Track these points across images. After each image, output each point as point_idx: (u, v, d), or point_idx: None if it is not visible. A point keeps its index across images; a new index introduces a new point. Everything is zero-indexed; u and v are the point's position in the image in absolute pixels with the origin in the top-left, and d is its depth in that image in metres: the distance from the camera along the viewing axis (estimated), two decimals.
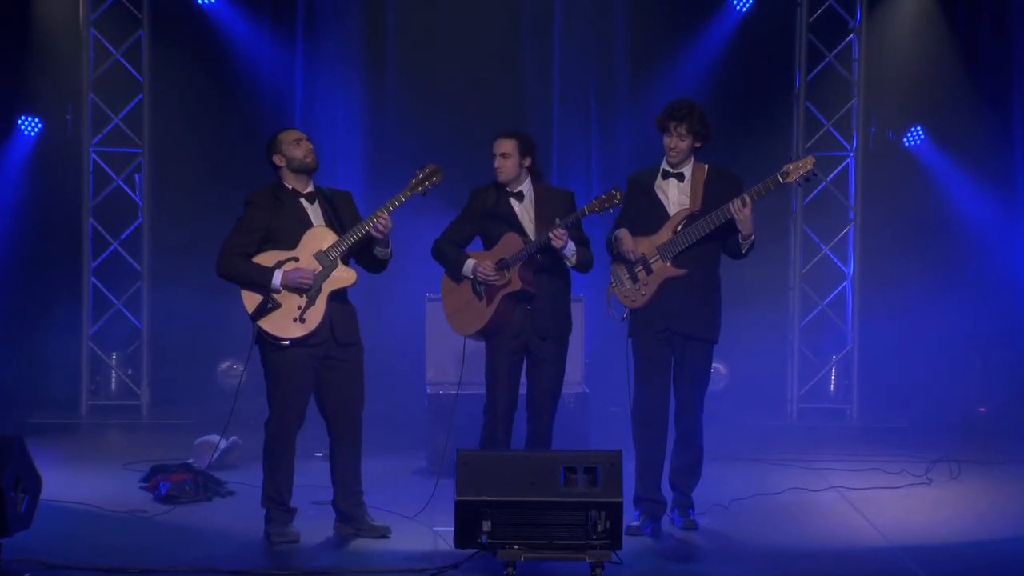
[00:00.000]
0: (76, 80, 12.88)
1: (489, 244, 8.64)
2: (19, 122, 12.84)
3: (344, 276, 8.13)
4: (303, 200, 8.20)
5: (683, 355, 8.50)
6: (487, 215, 8.62)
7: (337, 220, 8.18)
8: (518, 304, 8.54)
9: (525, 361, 8.65)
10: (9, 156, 12.89)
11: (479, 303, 8.57)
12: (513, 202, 8.59)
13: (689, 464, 8.63)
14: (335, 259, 8.09)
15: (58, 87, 12.92)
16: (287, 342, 8.08)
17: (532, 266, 8.50)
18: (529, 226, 8.55)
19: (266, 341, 8.14)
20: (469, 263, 8.59)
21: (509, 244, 8.52)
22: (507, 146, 8.58)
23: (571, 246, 8.45)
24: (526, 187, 8.62)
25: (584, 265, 8.60)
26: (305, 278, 8.04)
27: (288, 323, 8.08)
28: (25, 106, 12.87)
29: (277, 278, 8.06)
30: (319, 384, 8.23)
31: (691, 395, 8.52)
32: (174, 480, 9.28)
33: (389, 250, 8.23)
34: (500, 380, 8.58)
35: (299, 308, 8.07)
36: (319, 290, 8.09)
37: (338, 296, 8.16)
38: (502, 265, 8.49)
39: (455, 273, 8.65)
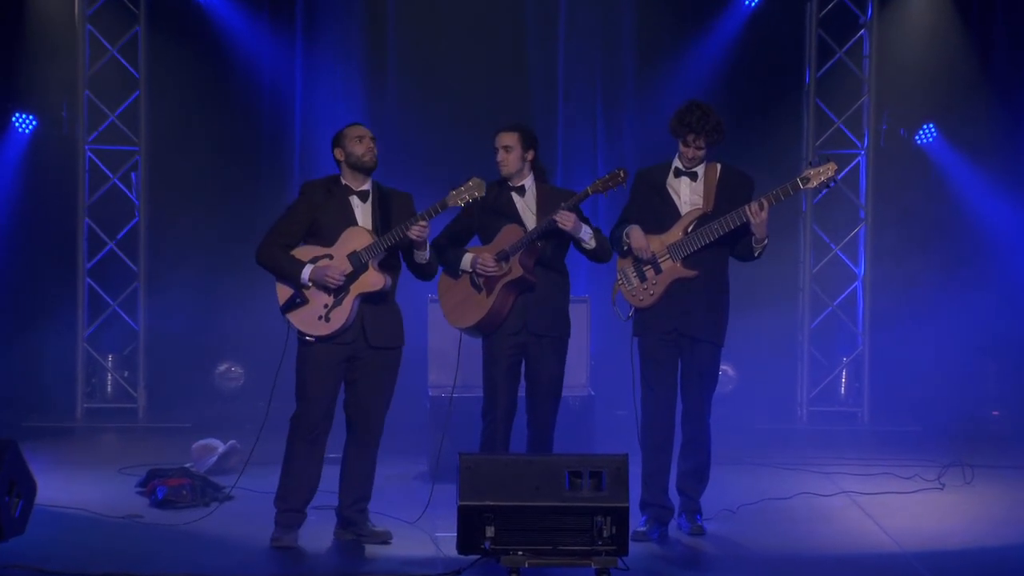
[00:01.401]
0: (71, 76, 12.89)
1: (488, 239, 8.63)
2: (13, 119, 12.84)
3: (372, 281, 8.12)
4: (355, 197, 8.24)
5: (691, 358, 8.48)
6: (486, 210, 8.60)
7: (385, 221, 8.19)
8: (519, 295, 8.52)
9: (523, 363, 8.64)
10: (3, 154, 12.89)
11: (479, 295, 8.55)
12: (514, 196, 8.58)
13: (696, 468, 8.61)
14: (366, 262, 8.10)
15: (53, 83, 12.92)
16: (312, 338, 8.13)
17: (533, 255, 8.48)
18: (530, 220, 8.53)
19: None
20: (467, 256, 8.58)
21: (509, 235, 8.50)
22: (509, 139, 8.57)
23: (586, 229, 8.44)
24: (528, 182, 8.61)
25: (604, 250, 8.56)
26: (332, 278, 8.07)
27: (313, 320, 8.14)
28: (19, 103, 12.87)
29: (307, 273, 8.11)
30: (346, 384, 8.26)
31: (699, 398, 8.51)
32: (171, 485, 9.27)
33: (427, 253, 8.24)
34: (498, 382, 8.56)
35: (325, 307, 8.12)
36: (347, 291, 8.11)
37: (374, 299, 8.16)
38: (501, 256, 8.47)
39: (453, 270, 8.63)
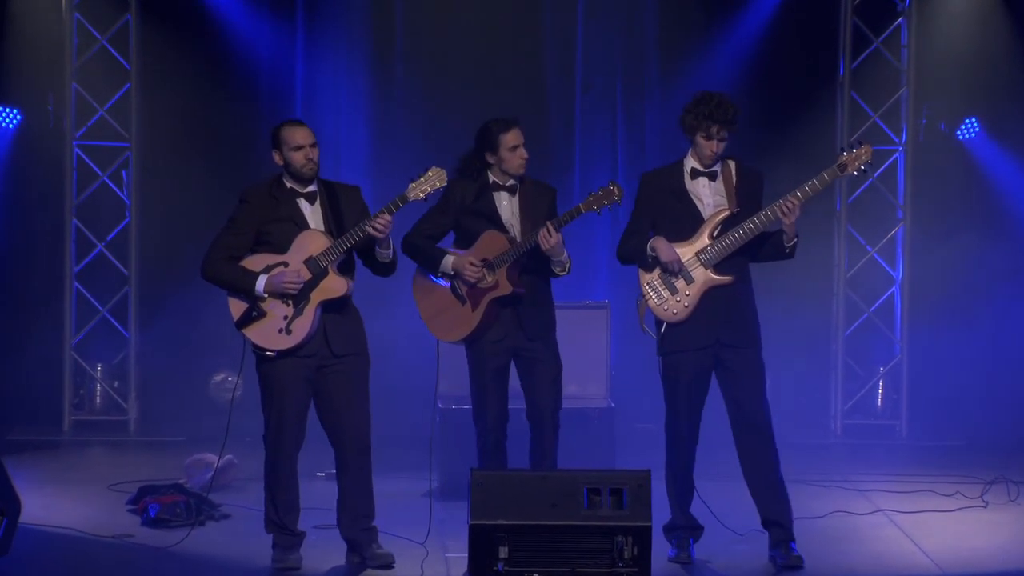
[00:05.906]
0: (58, 68, 12.89)
1: (467, 242, 8.58)
2: None
3: (333, 286, 8.08)
4: (302, 200, 8.19)
5: (734, 366, 8.39)
6: (465, 210, 8.56)
7: (338, 221, 8.15)
8: (504, 308, 8.50)
9: (514, 365, 8.61)
10: None
11: (462, 307, 8.52)
12: (501, 197, 8.54)
13: (770, 486, 8.45)
14: (326, 267, 8.06)
15: (39, 76, 12.92)
16: (273, 353, 8.09)
17: (518, 267, 8.46)
18: (514, 224, 8.52)
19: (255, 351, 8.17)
20: (448, 259, 8.52)
21: (491, 243, 8.46)
22: (520, 137, 8.52)
23: (565, 256, 8.43)
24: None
25: (565, 273, 8.59)
26: (290, 284, 8.02)
27: (273, 333, 8.08)
28: (3, 96, 12.88)
29: (261, 284, 8.05)
30: (316, 398, 8.22)
31: (754, 405, 8.40)
32: (164, 502, 9.29)
33: (390, 252, 8.20)
34: (488, 387, 8.53)
35: (285, 318, 8.06)
36: (307, 299, 8.07)
37: (334, 306, 8.13)
38: (486, 265, 8.43)
39: (431, 266, 8.55)
